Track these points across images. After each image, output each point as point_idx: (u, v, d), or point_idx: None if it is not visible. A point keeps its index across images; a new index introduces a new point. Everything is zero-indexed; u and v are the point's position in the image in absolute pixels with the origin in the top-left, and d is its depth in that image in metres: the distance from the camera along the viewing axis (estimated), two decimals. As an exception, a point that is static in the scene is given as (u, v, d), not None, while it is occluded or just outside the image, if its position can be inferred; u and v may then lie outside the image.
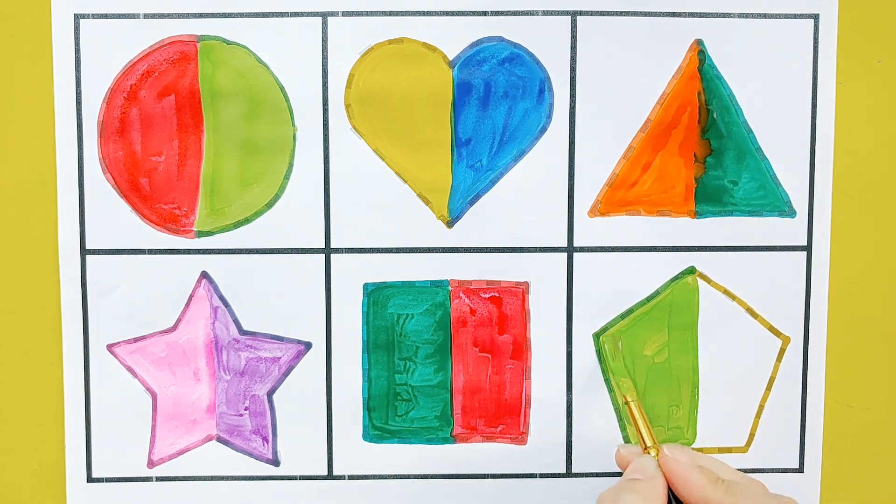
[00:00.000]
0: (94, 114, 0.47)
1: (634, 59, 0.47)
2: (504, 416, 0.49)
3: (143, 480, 0.49)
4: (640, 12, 0.47)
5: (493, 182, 0.48)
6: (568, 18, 0.47)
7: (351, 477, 0.49)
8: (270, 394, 0.49)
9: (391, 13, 0.47)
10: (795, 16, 0.47)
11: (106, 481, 0.49)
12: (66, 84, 0.47)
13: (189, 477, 0.49)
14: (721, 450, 0.49)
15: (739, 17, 0.47)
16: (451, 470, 0.49)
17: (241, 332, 0.48)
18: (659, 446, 0.42)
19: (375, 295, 0.48)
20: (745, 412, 0.49)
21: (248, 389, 0.49)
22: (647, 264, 0.48)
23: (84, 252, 0.48)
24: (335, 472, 0.49)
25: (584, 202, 0.48)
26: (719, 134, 0.48)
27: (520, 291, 0.48)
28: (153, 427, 0.49)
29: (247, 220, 0.48)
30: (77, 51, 0.47)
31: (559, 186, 0.48)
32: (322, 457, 0.49)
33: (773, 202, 0.48)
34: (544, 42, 0.47)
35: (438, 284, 0.48)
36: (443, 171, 0.48)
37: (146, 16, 0.47)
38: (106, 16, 0.47)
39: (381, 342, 0.49)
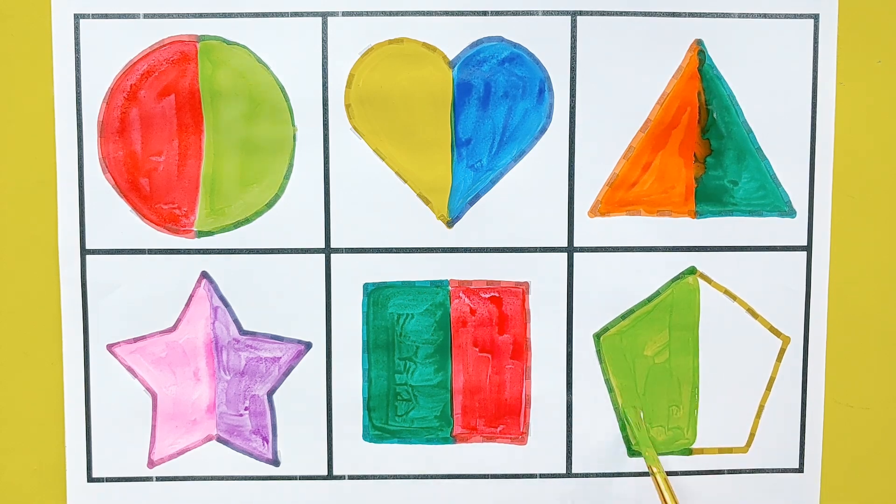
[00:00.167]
0: (94, 114, 0.47)
1: (634, 59, 0.47)
2: (504, 416, 0.49)
3: (143, 480, 0.49)
4: (640, 12, 0.47)
5: (493, 182, 0.48)
6: (568, 18, 0.47)
7: (351, 477, 0.49)
8: (270, 394, 0.49)
9: (391, 13, 0.47)
10: (795, 16, 0.47)
11: (106, 481, 0.49)
12: (66, 84, 0.47)
13: (189, 477, 0.49)
14: (721, 450, 0.49)
15: (739, 17, 0.47)
16: (451, 470, 0.49)
17: (241, 332, 0.48)
18: None
19: (375, 295, 0.48)
20: (745, 412, 0.49)
21: (248, 389, 0.49)
22: (647, 264, 0.48)
23: (84, 252, 0.48)
24: (335, 472, 0.49)
25: (584, 202, 0.48)
26: (719, 134, 0.48)
27: (520, 291, 0.48)
28: (153, 427, 0.49)
29: (247, 220, 0.48)
30: (77, 51, 0.47)
31: (559, 186, 0.48)
32: (322, 457, 0.49)
33: (773, 202, 0.48)
34: (544, 42, 0.47)
35: (438, 284, 0.48)
36: (443, 171, 0.48)
37: (146, 16, 0.47)
38: (106, 16, 0.47)
39: (381, 342, 0.49)
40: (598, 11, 0.47)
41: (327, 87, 0.47)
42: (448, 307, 0.48)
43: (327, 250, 0.48)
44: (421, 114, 0.47)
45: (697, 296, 0.49)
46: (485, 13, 0.47)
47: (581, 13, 0.47)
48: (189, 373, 0.49)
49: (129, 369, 0.48)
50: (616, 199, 0.48)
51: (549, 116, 0.47)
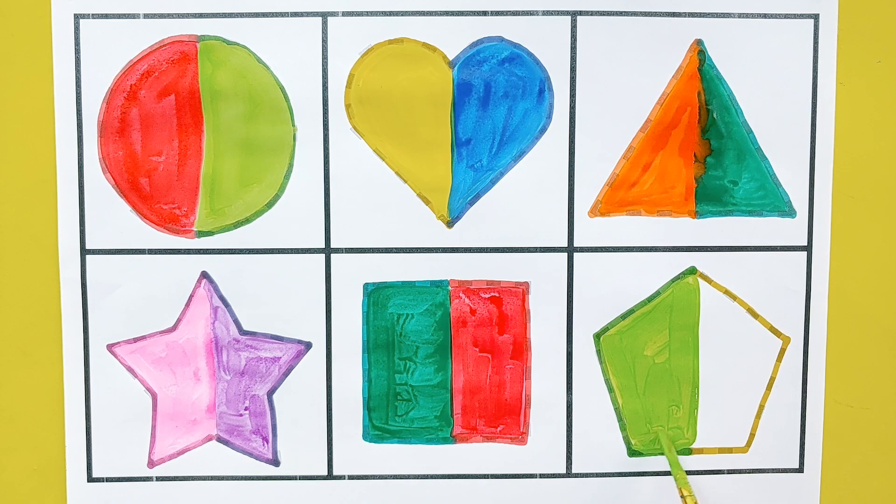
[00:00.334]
0: (94, 114, 0.47)
1: (634, 59, 0.47)
2: (504, 416, 0.49)
3: (144, 480, 0.49)
4: (640, 12, 0.47)
5: (493, 182, 0.48)
6: (568, 18, 0.47)
7: (351, 477, 0.49)
8: (270, 394, 0.49)
9: (391, 13, 0.47)
10: (795, 16, 0.47)
11: (106, 481, 0.49)
12: (66, 84, 0.47)
13: (189, 477, 0.49)
14: (721, 450, 0.49)
15: (739, 17, 0.47)
16: (451, 470, 0.49)
17: (241, 332, 0.48)
18: None
19: (375, 295, 0.48)
20: (745, 412, 0.49)
21: (248, 389, 0.49)
22: (647, 264, 0.48)
23: (84, 252, 0.48)
24: (335, 472, 0.49)
25: (584, 202, 0.48)
26: (719, 134, 0.48)
27: (520, 291, 0.48)
28: (153, 427, 0.49)
29: (247, 220, 0.48)
30: (77, 51, 0.47)
31: (559, 186, 0.48)
32: (322, 457, 0.49)
33: (773, 202, 0.48)
34: (544, 42, 0.47)
35: (438, 284, 0.48)
36: (443, 171, 0.48)
37: (146, 16, 0.47)
38: (106, 16, 0.47)
39: (381, 342, 0.49)
40: (598, 11, 0.47)
41: (327, 87, 0.47)
42: (448, 307, 0.48)
43: (327, 250, 0.48)
44: (421, 114, 0.47)
45: (697, 296, 0.49)
46: (485, 13, 0.47)
47: (581, 13, 0.47)
48: (189, 373, 0.49)
49: (129, 369, 0.48)
50: (616, 199, 0.48)
51: (549, 116, 0.47)
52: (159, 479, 0.49)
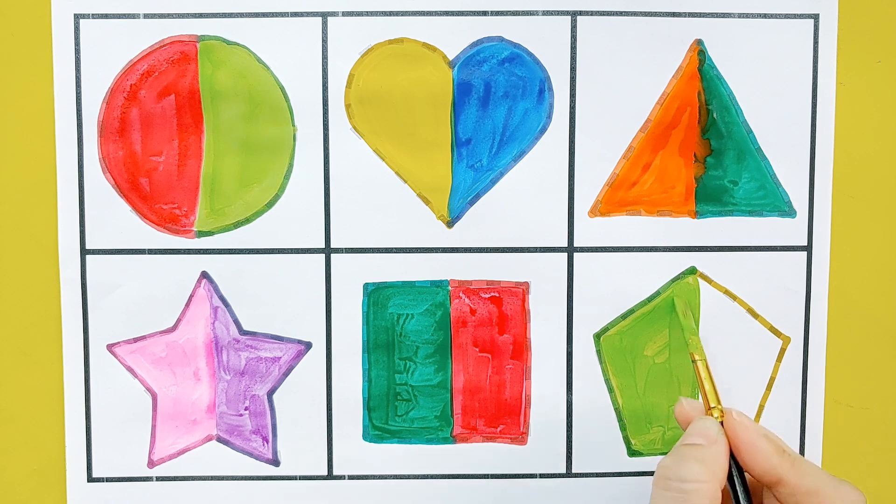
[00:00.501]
0: (94, 114, 0.47)
1: (634, 59, 0.47)
2: (504, 416, 0.49)
3: (144, 480, 0.49)
4: (640, 12, 0.47)
5: (493, 182, 0.48)
6: (568, 18, 0.47)
7: (351, 477, 0.49)
8: (270, 394, 0.49)
9: (391, 13, 0.47)
10: (795, 16, 0.47)
11: (106, 481, 0.49)
12: (66, 84, 0.47)
13: (189, 477, 0.49)
14: (721, 450, 0.49)
15: (739, 17, 0.47)
16: (451, 470, 0.49)
17: (241, 332, 0.48)
18: (724, 409, 0.39)
19: (375, 295, 0.48)
20: (745, 412, 0.49)
21: (248, 389, 0.49)
22: (647, 264, 0.48)
23: (84, 252, 0.48)
24: (335, 472, 0.49)
25: (584, 202, 0.48)
26: (719, 134, 0.48)
27: (520, 291, 0.48)
28: (153, 427, 0.49)
29: (247, 220, 0.48)
30: (77, 51, 0.47)
31: (559, 186, 0.48)
32: (322, 457, 0.49)
33: (773, 202, 0.48)
34: (544, 42, 0.47)
35: (438, 284, 0.48)
36: (443, 171, 0.48)
37: (146, 16, 0.47)
38: (106, 16, 0.47)
39: (381, 342, 0.49)
40: (598, 11, 0.47)
41: (327, 87, 0.47)
42: (448, 307, 0.48)
43: (327, 250, 0.48)
44: (421, 114, 0.47)
45: (697, 296, 0.49)
46: (485, 13, 0.47)
47: (581, 13, 0.47)
48: (189, 373, 0.49)
49: (129, 369, 0.48)
50: (616, 199, 0.48)
51: (549, 116, 0.47)
52: (159, 479, 0.49)
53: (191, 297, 0.48)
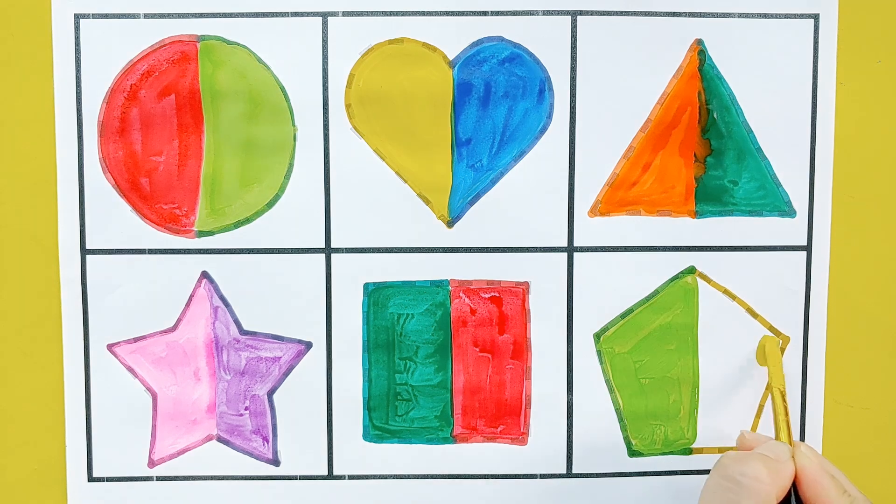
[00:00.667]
0: (94, 114, 0.47)
1: (634, 59, 0.47)
2: (504, 416, 0.49)
3: (144, 480, 0.49)
4: (640, 12, 0.47)
5: (494, 182, 0.48)
6: (568, 18, 0.47)
7: (351, 477, 0.49)
8: (270, 394, 0.49)
9: (391, 13, 0.47)
10: (795, 16, 0.47)
11: (106, 481, 0.49)
12: (66, 84, 0.47)
13: (189, 477, 0.49)
14: (721, 450, 0.49)
15: (739, 17, 0.47)
16: (451, 470, 0.49)
17: (242, 331, 0.48)
18: (795, 441, 0.41)
19: (376, 295, 0.48)
20: (745, 412, 0.49)
21: (248, 389, 0.49)
22: (647, 264, 0.48)
23: (84, 252, 0.48)
24: (335, 472, 0.49)
25: (584, 202, 0.48)
26: (719, 134, 0.48)
27: (520, 291, 0.48)
28: (153, 427, 0.49)
29: (247, 220, 0.48)
30: (77, 51, 0.47)
31: (559, 186, 0.48)
32: (322, 457, 0.49)
33: (773, 202, 0.48)
34: (544, 42, 0.47)
35: (438, 284, 0.48)
36: (443, 171, 0.48)
37: (146, 16, 0.47)
38: (106, 16, 0.47)
39: (381, 342, 0.49)
40: (598, 11, 0.47)
41: (327, 87, 0.47)
42: (448, 307, 0.48)
43: (327, 250, 0.48)
44: (421, 114, 0.47)
45: (697, 296, 0.49)
46: (485, 13, 0.47)
47: (581, 13, 0.47)
48: (189, 373, 0.49)
49: (130, 369, 0.48)
50: (616, 198, 0.48)
51: (550, 116, 0.47)
52: (159, 478, 0.49)
53: (191, 296, 0.48)
